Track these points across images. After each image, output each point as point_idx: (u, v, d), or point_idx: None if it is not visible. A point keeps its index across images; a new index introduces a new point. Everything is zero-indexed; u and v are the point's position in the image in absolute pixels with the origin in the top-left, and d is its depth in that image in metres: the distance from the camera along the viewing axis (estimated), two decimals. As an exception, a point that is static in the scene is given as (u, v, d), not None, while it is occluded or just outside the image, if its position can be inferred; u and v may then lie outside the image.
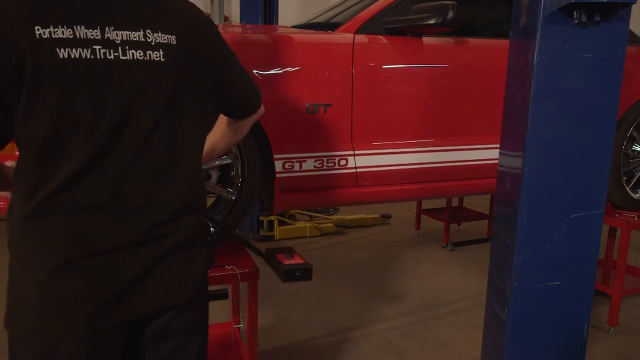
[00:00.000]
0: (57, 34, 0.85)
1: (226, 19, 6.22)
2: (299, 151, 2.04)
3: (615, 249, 2.99)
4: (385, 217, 4.93)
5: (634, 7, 1.64)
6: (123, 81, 0.91)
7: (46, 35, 0.84)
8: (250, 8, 4.31)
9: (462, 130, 2.37)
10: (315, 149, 2.08)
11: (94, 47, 0.88)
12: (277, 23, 4.41)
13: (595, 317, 2.81)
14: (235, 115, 1.26)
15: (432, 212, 4.40)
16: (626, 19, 1.66)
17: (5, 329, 0.96)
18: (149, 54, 0.93)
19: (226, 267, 1.78)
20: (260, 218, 4.23)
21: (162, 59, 0.95)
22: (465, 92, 2.35)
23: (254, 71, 1.92)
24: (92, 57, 0.88)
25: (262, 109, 1.31)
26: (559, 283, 1.83)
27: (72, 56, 0.86)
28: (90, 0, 0.89)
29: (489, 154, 2.38)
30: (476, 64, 2.39)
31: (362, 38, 2.15)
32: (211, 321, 2.63)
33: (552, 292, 1.83)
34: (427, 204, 4.53)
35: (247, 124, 1.31)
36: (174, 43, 0.96)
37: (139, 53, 0.92)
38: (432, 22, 2.02)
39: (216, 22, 5.77)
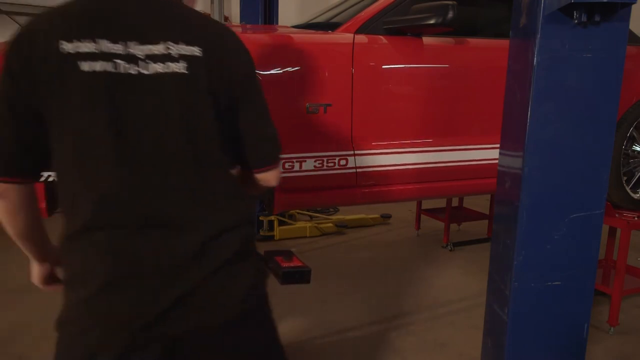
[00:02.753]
0: (81, 48, 0.87)
1: (226, 19, 6.23)
2: (298, 151, 2.04)
3: (615, 249, 2.99)
4: (385, 217, 4.93)
5: (634, 7, 1.64)
6: (146, 94, 0.91)
7: (70, 50, 0.86)
8: (250, 8, 4.31)
9: (462, 130, 2.37)
10: (315, 149, 2.08)
11: (116, 61, 0.89)
12: (277, 23, 4.41)
13: (595, 317, 2.81)
14: (252, 159, 1.11)
15: (432, 212, 4.40)
16: (626, 19, 1.66)
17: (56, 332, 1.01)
18: (170, 65, 0.92)
19: (226, 267, 1.77)
20: (260, 218, 4.23)
21: (185, 71, 0.93)
22: (465, 92, 2.36)
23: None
24: (115, 70, 0.89)
25: (279, 170, 1.16)
26: (559, 283, 1.83)
27: (95, 69, 0.87)
28: (113, 15, 0.90)
29: (489, 154, 2.38)
30: (476, 64, 2.39)
31: (362, 38, 2.15)
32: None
33: (552, 292, 1.83)
34: (427, 204, 4.52)
35: (258, 180, 1.15)
36: (198, 54, 0.94)
37: (160, 66, 0.91)
38: (432, 22, 2.02)
39: (216, 22, 5.77)
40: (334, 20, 2.38)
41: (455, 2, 2.00)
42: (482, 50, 2.44)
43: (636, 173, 2.81)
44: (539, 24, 1.61)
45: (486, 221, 4.46)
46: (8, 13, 5.27)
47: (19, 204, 0.97)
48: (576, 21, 1.62)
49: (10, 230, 1.00)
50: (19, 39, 0.88)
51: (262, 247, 1.99)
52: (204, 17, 1.01)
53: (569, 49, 1.65)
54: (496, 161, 1.93)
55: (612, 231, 3.22)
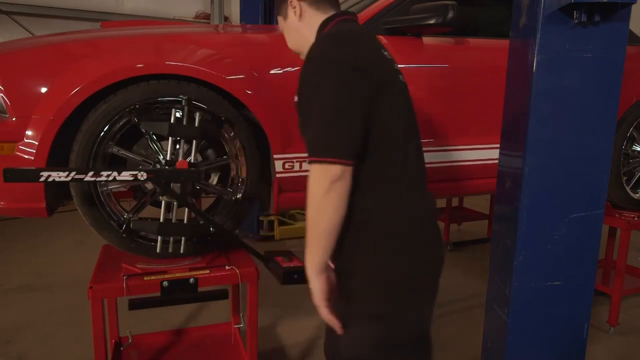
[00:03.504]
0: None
1: (226, 19, 6.23)
2: (299, 151, 2.04)
3: (615, 249, 2.99)
4: (385, 217, 4.92)
5: (634, 7, 1.64)
6: (407, 95, 1.28)
7: (389, 57, 1.25)
8: (250, 8, 4.31)
9: (462, 131, 2.36)
10: (315, 149, 2.07)
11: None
12: (277, 23, 4.40)
13: (595, 317, 2.81)
14: None
15: (432, 212, 4.39)
16: (626, 19, 1.67)
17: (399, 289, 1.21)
18: (403, 79, 1.29)
19: (226, 267, 1.78)
20: (260, 218, 4.23)
21: (405, 82, 1.30)
22: (465, 92, 2.35)
23: (254, 72, 1.92)
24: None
25: None
26: (559, 283, 1.83)
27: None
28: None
29: (489, 154, 2.38)
30: (476, 64, 2.39)
31: (362, 38, 2.15)
32: (211, 321, 2.62)
33: (552, 292, 1.83)
34: (427, 204, 4.51)
35: None
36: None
37: (401, 77, 1.28)
38: (432, 22, 2.02)
39: (216, 22, 5.78)
40: (334, 20, 2.37)
41: (455, 2, 2.00)
42: (482, 50, 2.44)
43: (636, 173, 2.81)
44: (539, 24, 1.62)
45: (486, 221, 4.46)
46: (8, 13, 5.27)
47: (349, 187, 1.14)
48: (576, 21, 1.62)
49: (333, 218, 1.18)
50: (356, 44, 1.16)
51: (262, 247, 1.99)
52: None
53: (569, 49, 1.65)
54: (496, 161, 1.93)
55: (612, 231, 3.22)
